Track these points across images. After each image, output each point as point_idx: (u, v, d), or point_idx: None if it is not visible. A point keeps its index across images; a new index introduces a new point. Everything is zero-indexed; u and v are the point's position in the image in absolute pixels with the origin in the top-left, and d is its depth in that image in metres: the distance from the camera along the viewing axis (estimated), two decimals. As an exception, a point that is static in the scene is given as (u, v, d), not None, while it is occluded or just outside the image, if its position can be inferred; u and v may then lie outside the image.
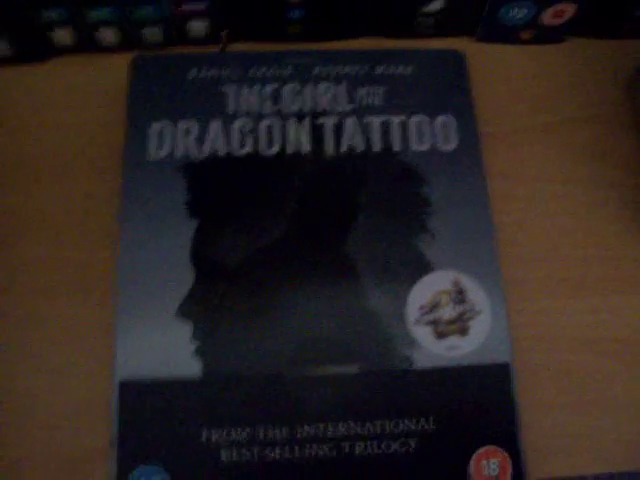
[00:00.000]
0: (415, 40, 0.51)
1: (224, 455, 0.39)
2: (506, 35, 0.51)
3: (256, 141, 0.45)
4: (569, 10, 0.49)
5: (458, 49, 0.49)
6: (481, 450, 0.40)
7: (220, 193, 0.44)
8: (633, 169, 0.48)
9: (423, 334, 0.42)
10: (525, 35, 0.51)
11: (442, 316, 0.42)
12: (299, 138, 0.45)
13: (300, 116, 0.46)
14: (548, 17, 0.49)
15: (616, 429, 0.42)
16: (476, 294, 0.43)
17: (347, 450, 0.40)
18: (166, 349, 0.40)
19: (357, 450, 0.40)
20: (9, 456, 0.40)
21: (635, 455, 0.42)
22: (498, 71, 0.51)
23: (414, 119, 0.46)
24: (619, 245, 0.47)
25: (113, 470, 0.39)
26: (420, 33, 0.51)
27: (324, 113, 0.46)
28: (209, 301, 0.41)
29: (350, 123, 0.46)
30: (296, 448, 0.40)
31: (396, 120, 0.46)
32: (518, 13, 0.49)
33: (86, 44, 0.48)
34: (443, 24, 0.50)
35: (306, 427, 0.40)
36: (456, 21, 0.50)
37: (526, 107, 0.50)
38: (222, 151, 0.45)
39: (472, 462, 0.40)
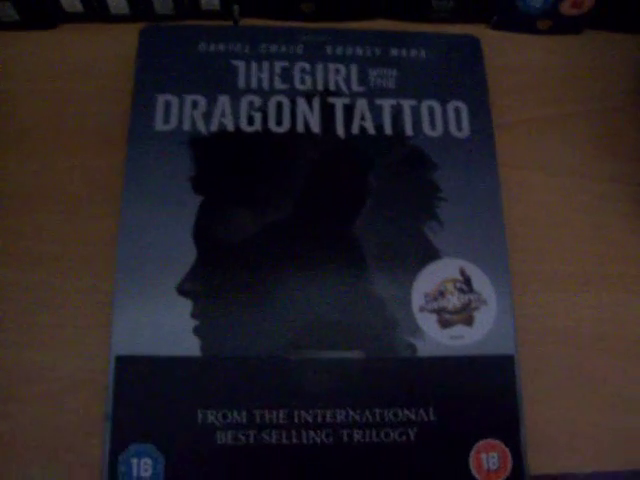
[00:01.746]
0: (430, 25, 0.50)
1: (219, 437, 0.38)
2: (523, 24, 0.50)
3: (265, 118, 0.44)
4: (588, 0, 0.48)
5: (474, 37, 0.48)
6: (481, 443, 0.39)
7: (226, 169, 0.43)
8: (647, 165, 0.48)
9: (427, 322, 0.41)
10: (542, 24, 0.50)
11: (447, 305, 0.41)
12: (309, 117, 0.44)
13: (310, 95, 0.45)
14: (567, 7, 0.48)
15: (619, 427, 0.42)
16: (482, 284, 0.42)
17: (345, 437, 0.39)
18: (165, 326, 0.39)
19: (355, 438, 0.39)
20: (1, 430, 0.39)
21: (637, 454, 0.41)
22: (513, 60, 0.50)
23: (426, 104, 0.45)
24: (629, 242, 0.46)
25: (106, 447, 0.38)
26: (435, 18, 0.50)
27: (335, 93, 0.45)
28: (210, 279, 0.41)
29: (361, 105, 0.45)
30: (293, 433, 0.39)
31: (407, 104, 0.45)
32: (536, 1, 0.48)
33: (96, 13, 0.47)
34: (459, 10, 0.49)
35: (304, 412, 0.39)
36: (472, 7, 0.49)
37: (540, 97, 0.49)
38: (230, 127, 0.44)
39: (472, 455, 0.39)
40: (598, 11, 0.49)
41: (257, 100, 0.44)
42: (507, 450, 0.39)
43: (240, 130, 0.44)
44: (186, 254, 0.41)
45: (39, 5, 0.46)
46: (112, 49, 0.47)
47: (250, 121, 0.44)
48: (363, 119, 0.45)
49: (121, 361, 0.39)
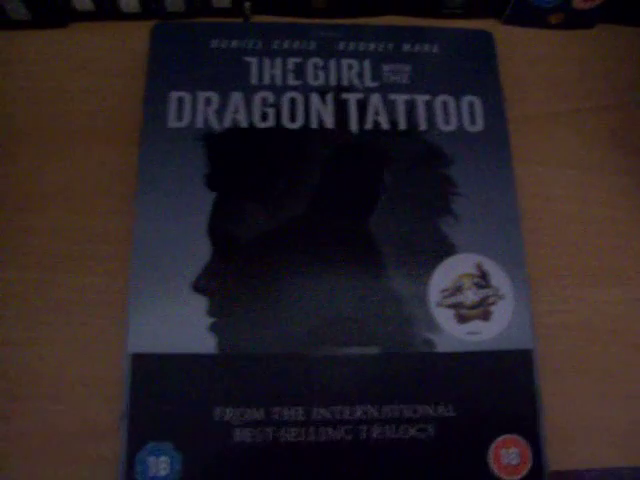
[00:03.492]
0: (441, 20, 0.50)
1: (237, 435, 0.38)
2: (535, 18, 0.50)
3: (278, 114, 0.44)
4: (600, -6, 0.48)
5: (487, 31, 0.48)
6: (500, 438, 0.39)
7: (240, 166, 0.42)
8: (662, 158, 0.47)
9: (445, 317, 0.41)
10: (555, 19, 0.50)
11: (464, 300, 0.41)
12: (322, 113, 0.44)
13: (324, 91, 0.45)
14: (579, 1, 0.48)
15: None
16: (499, 279, 0.41)
17: (364, 434, 0.39)
18: (180, 323, 0.39)
19: (374, 434, 0.39)
20: (17, 429, 0.39)
21: (658, 449, 0.41)
22: (525, 55, 0.50)
23: (440, 99, 0.45)
24: (646, 236, 0.45)
25: (123, 446, 0.37)
26: (447, 13, 0.50)
27: (348, 89, 0.45)
28: (226, 276, 0.40)
29: (375, 100, 0.45)
30: (312, 430, 0.38)
31: (421, 99, 0.45)
32: (549, -5, 0.48)
33: (107, 11, 0.47)
34: (471, 5, 0.49)
35: (322, 409, 0.39)
36: (484, 2, 0.49)
37: (554, 92, 0.49)
38: (243, 123, 0.43)
39: (491, 450, 0.39)
40: (610, 4, 0.48)
41: (270, 96, 0.44)
42: (527, 445, 0.39)
43: (253, 126, 0.43)
44: (201, 251, 0.40)
45: (50, 4, 0.46)
46: (124, 47, 0.47)
47: (263, 117, 0.44)
48: (377, 114, 0.44)
49: (137, 359, 0.38)
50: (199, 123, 0.43)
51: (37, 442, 0.39)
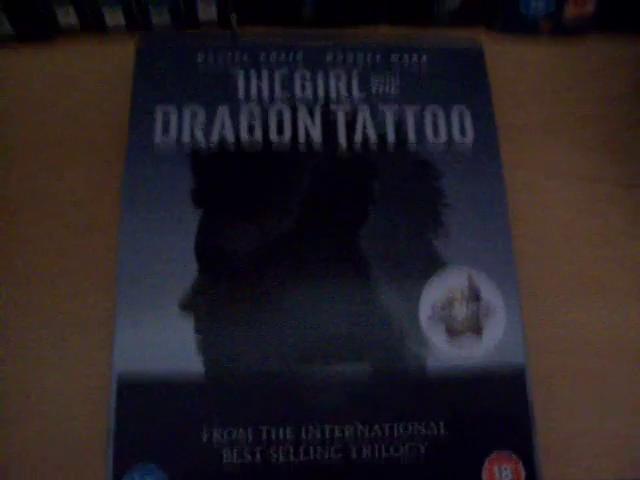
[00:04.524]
0: (432, 29, 0.49)
1: (225, 456, 0.37)
2: (525, 26, 0.49)
3: (266, 129, 0.43)
4: (590, 2, 0.47)
5: (476, 41, 0.47)
6: (493, 455, 0.38)
7: (227, 182, 0.42)
8: (655, 168, 0.47)
9: (436, 333, 0.40)
10: (545, 27, 0.49)
11: (455, 314, 0.40)
12: (310, 126, 0.43)
13: (311, 103, 0.44)
14: (569, 9, 0.48)
15: (634, 435, 0.41)
16: (491, 292, 0.41)
17: (354, 453, 0.38)
18: (167, 343, 0.39)
19: (364, 453, 0.38)
20: (2, 450, 0.38)
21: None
22: (516, 63, 0.49)
23: (429, 110, 0.45)
24: (639, 247, 0.45)
25: (109, 468, 0.37)
26: (437, 22, 0.49)
27: (336, 101, 0.44)
28: (213, 295, 0.40)
29: (363, 112, 0.44)
30: (301, 450, 0.38)
31: (410, 111, 0.44)
32: (539, 4, 0.47)
33: (92, 25, 0.46)
34: (460, 14, 0.48)
35: (312, 429, 0.38)
36: (474, 11, 0.49)
37: (544, 101, 0.48)
38: (230, 138, 0.43)
39: (484, 468, 0.38)
40: (601, 13, 0.48)
41: (257, 109, 0.44)
42: (520, 462, 0.38)
43: (240, 140, 0.43)
44: (188, 269, 0.40)
45: (34, 18, 0.45)
46: (109, 61, 0.47)
47: (250, 131, 0.43)
48: (365, 126, 0.44)
49: (123, 379, 0.38)
50: (185, 138, 0.43)
51: (21, 464, 0.38)
